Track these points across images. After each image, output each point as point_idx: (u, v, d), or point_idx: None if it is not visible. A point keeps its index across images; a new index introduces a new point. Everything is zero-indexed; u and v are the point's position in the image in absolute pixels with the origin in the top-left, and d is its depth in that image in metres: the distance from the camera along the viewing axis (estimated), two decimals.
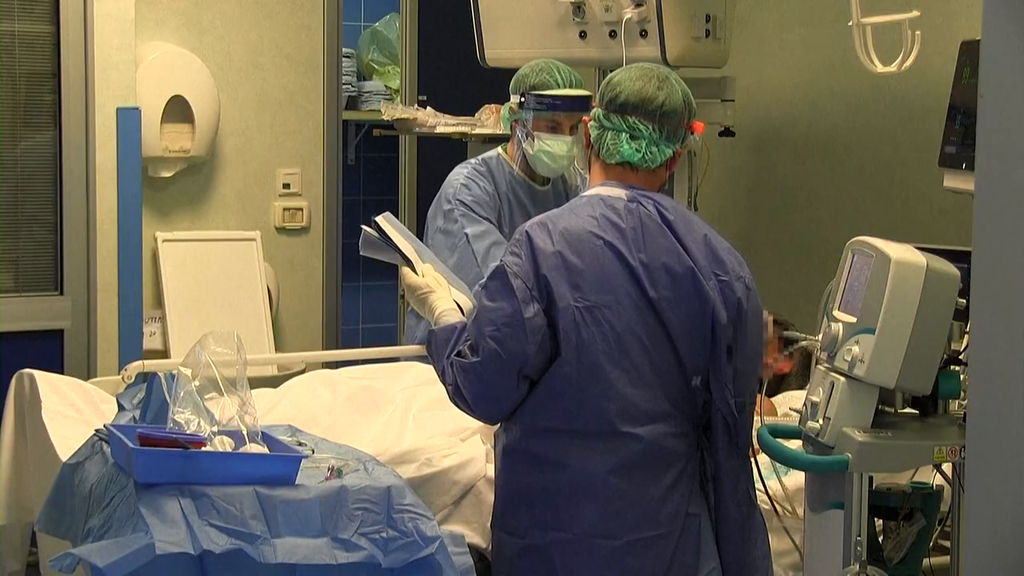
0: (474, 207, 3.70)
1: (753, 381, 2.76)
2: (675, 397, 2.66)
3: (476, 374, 2.65)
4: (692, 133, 2.81)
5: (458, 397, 2.70)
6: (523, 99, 3.67)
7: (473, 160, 3.87)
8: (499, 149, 3.88)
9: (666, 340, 2.64)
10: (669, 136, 2.74)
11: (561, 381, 2.62)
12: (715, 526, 2.71)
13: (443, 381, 2.74)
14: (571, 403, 2.62)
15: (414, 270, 2.99)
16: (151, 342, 5.03)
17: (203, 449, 2.56)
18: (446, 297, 2.91)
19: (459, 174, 3.79)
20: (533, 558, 2.66)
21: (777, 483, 3.00)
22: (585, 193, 2.78)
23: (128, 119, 4.52)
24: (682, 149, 2.80)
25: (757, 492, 2.80)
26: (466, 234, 3.66)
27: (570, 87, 3.67)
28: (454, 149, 4.99)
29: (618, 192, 2.73)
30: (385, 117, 5.25)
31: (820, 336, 2.72)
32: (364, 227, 3.12)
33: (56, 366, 4.24)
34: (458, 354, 2.69)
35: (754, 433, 2.76)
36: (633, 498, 2.63)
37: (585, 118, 2.82)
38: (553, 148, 3.69)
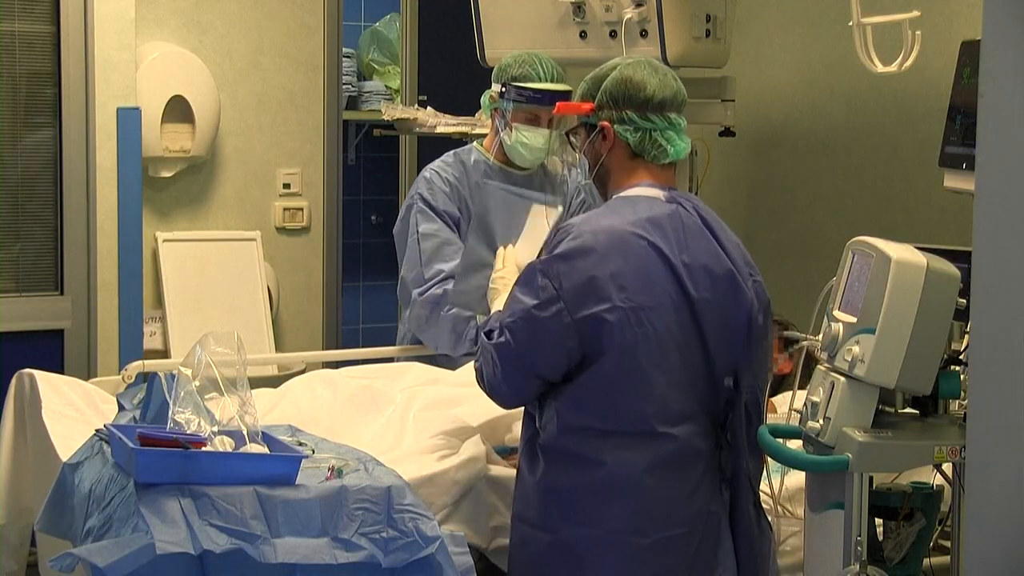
0: (432, 202, 3.70)
1: (768, 381, 2.80)
2: (702, 397, 2.68)
3: (491, 356, 2.69)
4: None
5: (479, 375, 2.75)
6: (504, 89, 3.68)
7: (445, 154, 3.88)
8: (475, 143, 3.89)
9: (698, 340, 2.66)
10: None
11: (601, 381, 2.63)
12: (732, 524, 2.73)
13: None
14: (610, 403, 2.63)
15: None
16: (151, 342, 5.03)
17: (203, 449, 2.56)
18: None
19: (426, 169, 3.81)
20: (560, 553, 2.67)
21: (777, 483, 3.00)
22: (623, 193, 2.77)
23: (128, 119, 4.52)
24: None
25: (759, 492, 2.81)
26: (417, 231, 3.67)
27: (552, 81, 3.68)
28: (454, 149, 4.99)
29: (656, 193, 2.74)
30: (385, 117, 5.25)
31: (820, 336, 2.72)
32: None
33: (56, 366, 4.24)
34: (486, 334, 2.72)
35: None
36: (663, 496, 2.65)
37: (606, 124, 2.78)
38: (530, 140, 3.69)
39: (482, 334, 2.74)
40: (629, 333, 2.61)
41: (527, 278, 2.68)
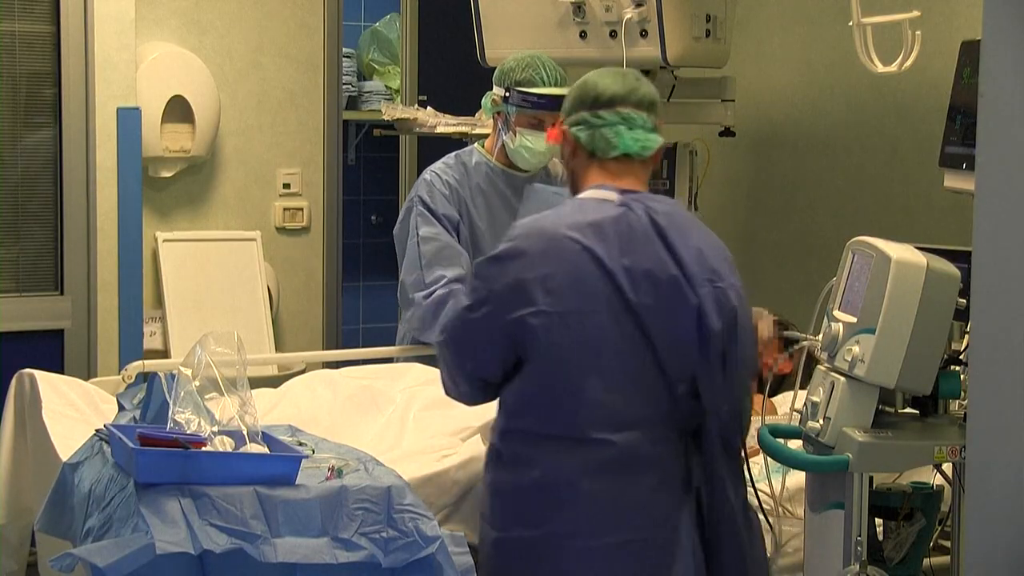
0: (432, 206, 3.69)
1: (747, 386, 2.74)
2: (655, 403, 2.62)
3: (440, 351, 2.75)
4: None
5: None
6: (507, 94, 3.67)
7: (446, 156, 3.87)
8: (476, 145, 3.89)
9: (645, 346, 2.61)
10: (655, 126, 2.75)
11: (532, 385, 2.62)
12: (715, 529, 2.67)
13: None
14: (541, 407, 2.62)
15: None
16: (151, 342, 5.03)
17: (203, 449, 2.56)
18: None
19: (427, 171, 3.80)
20: (505, 551, 2.66)
21: (775, 483, 3.00)
22: (580, 196, 2.75)
23: (128, 119, 4.52)
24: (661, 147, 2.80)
25: (758, 492, 2.80)
26: (417, 234, 3.67)
27: (555, 84, 3.66)
28: (454, 149, 4.98)
29: (609, 195, 2.70)
30: (385, 117, 5.24)
31: (820, 336, 2.72)
32: None
33: (56, 366, 4.24)
34: (442, 328, 2.77)
35: (754, 432, 2.76)
36: (605, 502, 2.60)
37: (564, 128, 2.78)
38: (533, 144, 3.68)
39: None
40: (557, 337, 2.58)
41: (470, 278, 2.71)
